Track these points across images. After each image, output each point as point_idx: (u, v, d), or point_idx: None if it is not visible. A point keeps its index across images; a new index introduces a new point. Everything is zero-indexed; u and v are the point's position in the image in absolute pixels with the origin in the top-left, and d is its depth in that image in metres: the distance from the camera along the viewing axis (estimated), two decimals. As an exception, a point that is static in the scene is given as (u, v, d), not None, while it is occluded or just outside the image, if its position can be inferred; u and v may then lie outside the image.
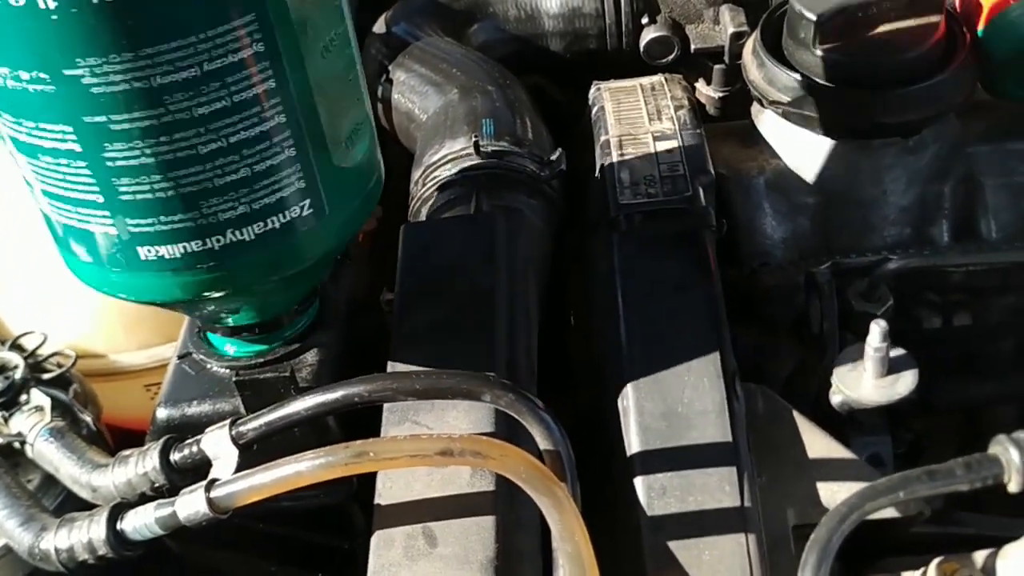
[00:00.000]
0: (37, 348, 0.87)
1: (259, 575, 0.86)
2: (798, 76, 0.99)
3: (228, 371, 0.79)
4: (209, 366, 0.80)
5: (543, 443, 0.66)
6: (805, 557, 0.69)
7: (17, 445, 0.81)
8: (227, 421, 0.69)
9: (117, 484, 0.73)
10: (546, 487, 0.62)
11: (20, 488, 0.77)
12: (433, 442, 0.62)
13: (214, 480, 0.66)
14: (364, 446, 0.63)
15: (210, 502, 0.65)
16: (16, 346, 0.88)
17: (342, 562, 0.85)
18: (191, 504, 0.66)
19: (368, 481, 0.76)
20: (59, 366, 0.87)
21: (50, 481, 0.81)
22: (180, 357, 0.81)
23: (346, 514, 0.82)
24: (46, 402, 0.81)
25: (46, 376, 0.85)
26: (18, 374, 0.84)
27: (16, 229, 1.03)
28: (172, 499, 0.67)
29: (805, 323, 0.98)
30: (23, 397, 0.83)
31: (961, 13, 1.03)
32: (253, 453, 0.70)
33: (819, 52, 0.97)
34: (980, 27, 1.00)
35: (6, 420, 0.82)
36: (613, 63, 1.22)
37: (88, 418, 0.84)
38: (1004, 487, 0.71)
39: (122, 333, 0.98)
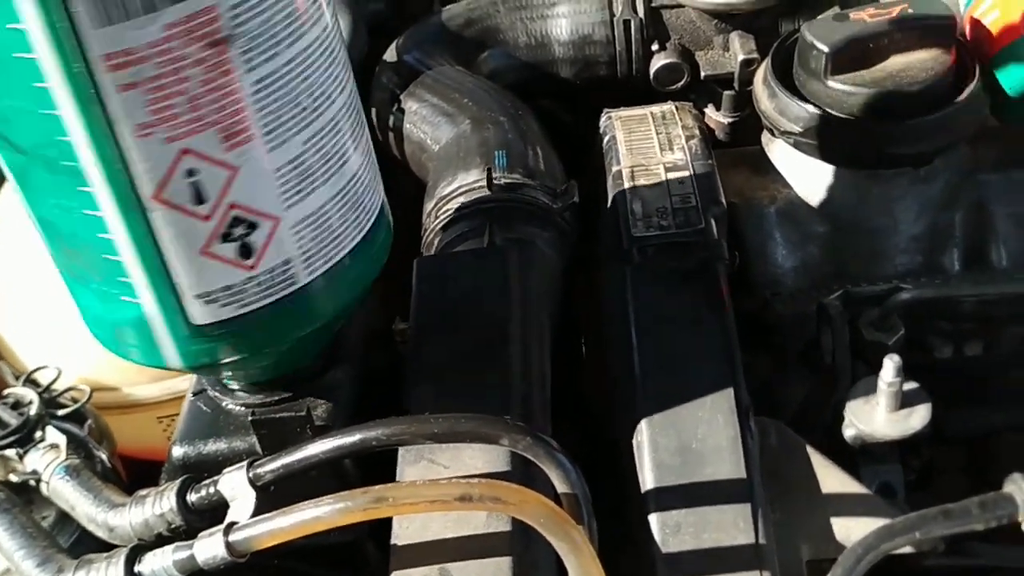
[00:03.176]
0: (52, 383, 0.88)
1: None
2: (809, 107, 0.99)
3: (243, 408, 0.80)
4: (224, 403, 0.81)
5: (560, 486, 0.66)
6: (821, 598, 0.69)
7: (32, 483, 0.81)
8: (244, 463, 0.70)
9: (134, 524, 0.73)
10: (564, 532, 0.62)
11: (36, 528, 0.77)
12: (452, 487, 0.63)
13: (232, 523, 0.67)
14: (383, 491, 0.63)
15: (228, 546, 0.65)
16: (31, 380, 0.89)
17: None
18: (209, 548, 0.66)
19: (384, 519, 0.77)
20: (74, 401, 0.87)
21: (65, 519, 0.81)
22: (195, 394, 0.82)
23: (361, 551, 0.82)
24: (61, 440, 0.81)
25: (61, 412, 0.85)
26: (33, 410, 0.84)
27: (30, 262, 1.04)
28: (190, 542, 0.68)
29: (816, 352, 0.98)
30: (38, 434, 0.84)
31: (971, 43, 1.03)
32: (270, 494, 0.70)
33: (830, 83, 0.98)
34: (990, 56, 1.00)
35: (21, 457, 0.82)
36: (623, 89, 1.23)
37: (103, 455, 0.84)
38: (1019, 525, 0.72)
39: (135, 366, 0.98)
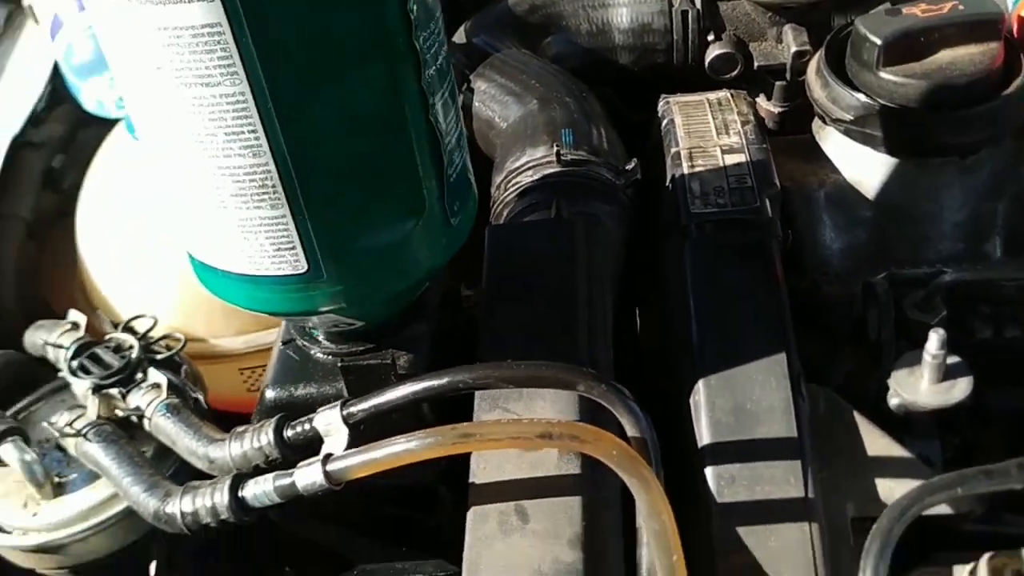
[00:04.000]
0: (148, 331, 0.94)
1: (350, 547, 0.92)
2: (861, 96, 1.04)
3: (329, 357, 0.86)
4: (311, 352, 0.87)
5: (631, 431, 0.72)
6: (868, 546, 0.75)
7: (134, 419, 0.88)
8: (338, 401, 0.76)
9: (233, 456, 0.80)
10: (635, 469, 0.68)
11: (141, 457, 0.84)
12: (534, 426, 0.69)
13: (329, 455, 0.73)
14: (470, 428, 0.69)
15: (327, 474, 0.72)
16: (128, 328, 0.95)
17: (427, 538, 0.92)
18: (309, 475, 0.73)
19: (455, 465, 0.83)
20: (168, 348, 0.94)
21: (164, 452, 0.87)
22: (284, 343, 0.88)
23: (434, 494, 0.88)
24: (163, 380, 0.87)
25: (159, 357, 0.92)
26: (134, 353, 0.91)
27: (128, 218, 1.11)
28: (290, 471, 0.74)
29: (862, 331, 1.03)
30: (138, 375, 0.90)
31: (1018, 38, 1.08)
32: (359, 433, 0.76)
33: (882, 74, 1.03)
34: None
35: (123, 396, 0.89)
36: (678, 77, 1.28)
37: (200, 396, 0.91)
38: (1054, 488, 0.77)
39: (222, 319, 1.05)
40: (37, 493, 0.88)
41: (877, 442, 0.87)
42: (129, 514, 0.88)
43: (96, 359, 0.92)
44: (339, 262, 0.72)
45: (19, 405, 0.96)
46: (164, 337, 0.95)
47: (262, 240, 0.71)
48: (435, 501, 0.89)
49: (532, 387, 0.76)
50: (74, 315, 0.96)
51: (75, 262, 1.19)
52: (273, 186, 0.68)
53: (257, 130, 0.65)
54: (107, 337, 0.94)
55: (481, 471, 0.77)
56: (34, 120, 1.14)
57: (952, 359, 0.90)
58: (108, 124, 1.22)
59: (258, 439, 0.79)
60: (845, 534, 0.84)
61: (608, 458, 0.68)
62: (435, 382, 0.73)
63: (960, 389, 0.89)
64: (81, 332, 0.94)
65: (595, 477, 0.76)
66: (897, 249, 1.08)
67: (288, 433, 0.78)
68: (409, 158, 0.72)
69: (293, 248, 0.71)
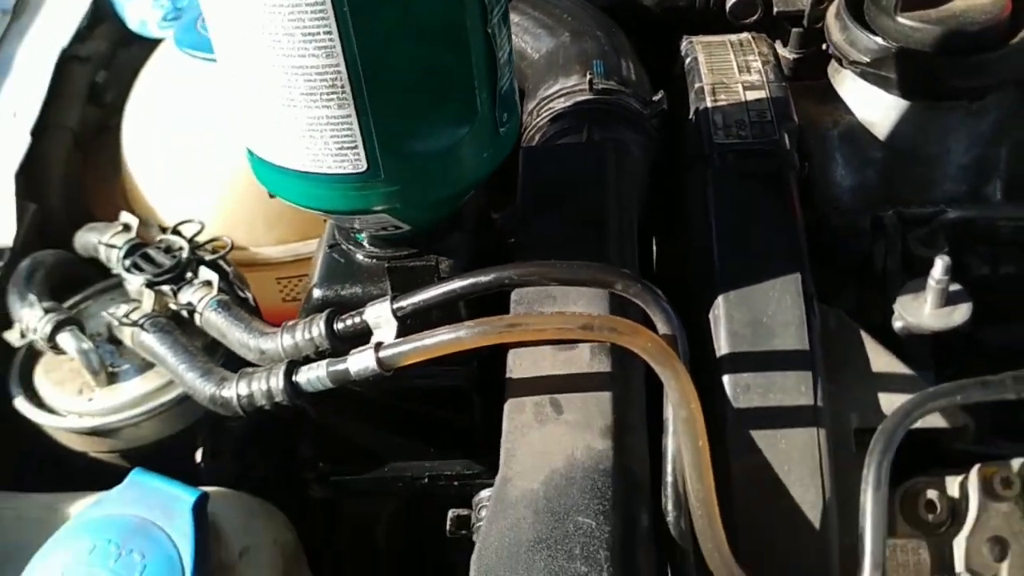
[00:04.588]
0: (196, 235, 0.99)
1: (384, 445, 0.98)
2: (878, 39, 1.09)
3: (373, 261, 0.91)
4: (355, 256, 0.92)
5: (663, 328, 0.78)
6: (873, 446, 0.81)
7: (185, 314, 0.93)
8: (388, 296, 0.81)
9: (285, 347, 0.85)
10: (667, 361, 0.73)
11: (195, 347, 0.89)
12: (576, 318, 0.74)
13: (380, 343, 0.78)
14: (516, 319, 0.75)
15: (379, 360, 0.77)
16: (176, 232, 1.00)
17: (456, 439, 0.98)
18: (361, 361, 0.78)
19: (486, 371, 0.89)
20: (214, 251, 0.99)
21: (211, 348, 0.93)
22: (330, 247, 0.93)
23: (466, 396, 0.94)
24: (214, 277, 0.92)
25: (207, 258, 0.97)
26: (184, 254, 0.96)
27: (173, 130, 1.15)
28: (343, 357, 0.79)
29: (868, 264, 1.09)
30: (188, 274, 0.95)
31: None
32: (405, 329, 0.82)
33: (899, 18, 1.08)
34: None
35: (175, 294, 0.94)
36: (698, 22, 1.32)
37: (248, 294, 0.96)
38: (1046, 400, 0.83)
39: (263, 228, 1.10)
40: (93, 380, 0.93)
41: (881, 359, 0.93)
42: (179, 403, 0.94)
43: (147, 258, 0.97)
44: (396, 162, 0.77)
45: (71, 302, 1.01)
46: (211, 241, 1.00)
47: (327, 139, 0.76)
48: (466, 403, 0.95)
49: (572, 285, 0.81)
50: (126, 217, 1.00)
51: (117, 173, 1.23)
52: (342, 86, 0.73)
53: (332, 31, 0.70)
54: (158, 239, 0.99)
55: (517, 367, 0.83)
56: (79, 36, 1.18)
57: (954, 286, 0.96)
58: (148, 44, 1.26)
59: (309, 331, 0.84)
60: (848, 442, 0.90)
61: (643, 350, 0.73)
62: (482, 278, 0.79)
63: (960, 314, 0.95)
64: (133, 233, 0.99)
65: (623, 376, 0.82)
66: (904, 189, 1.14)
67: (338, 326, 0.83)
68: (467, 66, 0.77)
69: (355, 147, 0.76)
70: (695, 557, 0.76)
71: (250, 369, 0.84)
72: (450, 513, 0.96)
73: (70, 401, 0.93)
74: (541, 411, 0.80)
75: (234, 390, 0.83)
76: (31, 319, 0.94)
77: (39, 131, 1.09)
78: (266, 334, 0.87)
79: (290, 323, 0.86)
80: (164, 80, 1.16)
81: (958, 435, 0.93)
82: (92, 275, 1.04)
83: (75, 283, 1.03)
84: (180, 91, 1.14)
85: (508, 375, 0.83)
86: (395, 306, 0.81)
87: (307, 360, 0.84)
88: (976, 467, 0.88)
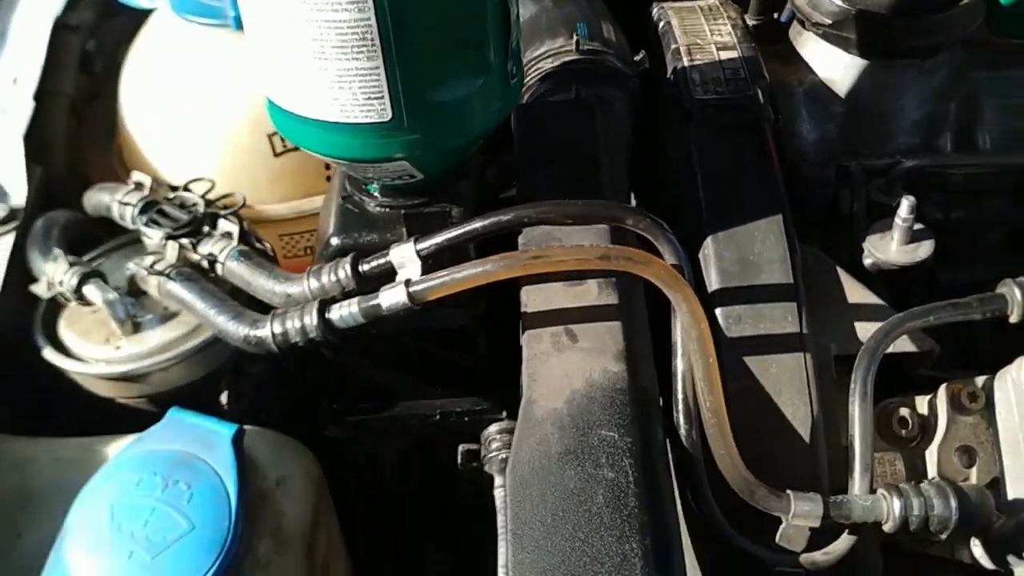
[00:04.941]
0: (207, 192, 1.03)
1: (395, 383, 1.03)
2: (839, 3, 1.17)
3: (385, 210, 0.96)
4: (368, 206, 0.97)
5: (669, 259, 0.85)
6: (858, 362, 0.90)
7: (205, 265, 0.97)
8: (412, 237, 0.87)
9: (311, 290, 0.90)
10: (678, 286, 0.81)
11: (222, 292, 0.94)
12: (594, 250, 0.81)
13: (409, 279, 0.84)
14: (540, 252, 0.81)
15: (410, 295, 0.83)
16: (186, 190, 1.04)
17: (463, 378, 1.04)
18: (393, 297, 0.84)
19: (492, 312, 0.95)
20: (225, 208, 1.03)
21: (234, 294, 0.97)
22: (343, 198, 0.98)
23: (473, 336, 1.00)
24: (234, 229, 0.97)
25: (221, 213, 1.01)
26: (200, 208, 1.00)
27: (171, 94, 1.18)
28: (374, 294, 0.85)
29: (834, 211, 1.17)
30: (205, 228, 1.00)
31: (972, -41, 1.22)
32: (427, 268, 0.87)
33: (858, -18, 1.17)
34: (989, -29, 1.20)
35: (194, 247, 0.98)
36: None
37: (267, 245, 1.00)
38: (1006, 319, 0.92)
39: (266, 186, 1.14)
40: (119, 329, 0.97)
41: (856, 292, 1.01)
42: (202, 349, 0.98)
43: (163, 214, 1.01)
44: (418, 112, 0.83)
45: (87, 257, 1.04)
46: (222, 197, 1.04)
47: (355, 90, 0.81)
48: (473, 343, 1.01)
49: (587, 223, 0.88)
50: (138, 176, 1.04)
51: (110, 140, 1.26)
52: (372, 39, 0.78)
53: (364, -14, 0.75)
54: (171, 195, 1.03)
55: (532, 302, 0.89)
56: (70, 4, 1.20)
57: (918, 225, 1.05)
58: (133, 14, 1.29)
59: (335, 273, 0.89)
60: (829, 367, 0.98)
61: (655, 277, 0.81)
62: (503, 216, 0.85)
63: (924, 249, 1.04)
64: (146, 191, 1.03)
65: (629, 308, 0.89)
66: (862, 141, 1.22)
67: (363, 267, 0.89)
68: (484, 22, 0.83)
69: (382, 97, 0.81)
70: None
71: (280, 310, 0.89)
72: (460, 448, 1.02)
73: (98, 350, 0.97)
74: (558, 340, 0.87)
75: (268, 329, 0.88)
76: (57, 272, 0.97)
77: (40, 97, 1.11)
78: (291, 279, 0.92)
79: (314, 268, 0.91)
80: (161, 45, 1.19)
81: (924, 359, 1.02)
82: (100, 234, 1.08)
83: (85, 242, 1.06)
84: (178, 56, 1.18)
85: (524, 310, 0.89)
86: (419, 247, 0.86)
87: (333, 301, 0.89)
88: (944, 385, 0.97)
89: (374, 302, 0.84)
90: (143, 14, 1.28)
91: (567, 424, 0.80)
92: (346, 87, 0.81)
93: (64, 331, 0.99)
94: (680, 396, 0.85)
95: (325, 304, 0.87)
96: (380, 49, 0.79)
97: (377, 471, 1.11)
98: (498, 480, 0.94)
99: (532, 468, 0.78)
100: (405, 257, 0.87)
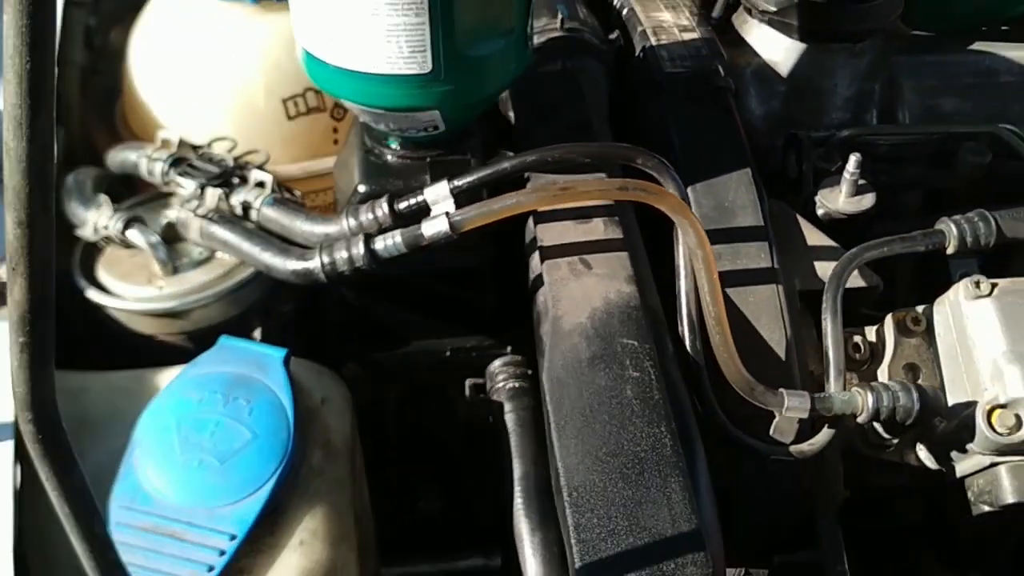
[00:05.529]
0: (231, 150, 1.12)
1: (409, 323, 1.13)
2: (782, -7, 1.34)
3: (403, 161, 1.06)
4: (388, 158, 1.07)
5: (674, 192, 0.98)
6: (828, 285, 1.05)
7: (240, 211, 1.06)
8: (445, 177, 0.98)
9: (350, 227, 1.00)
10: (684, 214, 0.93)
11: (264, 232, 1.02)
12: (614, 182, 0.94)
13: (448, 212, 0.95)
14: (567, 184, 0.93)
15: (451, 224, 0.93)
16: (209, 148, 1.12)
17: (472, 318, 1.14)
18: (434, 226, 0.94)
19: (502, 255, 1.06)
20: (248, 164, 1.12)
21: (265, 241, 1.05)
22: (366, 151, 1.08)
23: (484, 276, 1.11)
24: (268, 178, 1.06)
25: (249, 167, 1.10)
26: (230, 161, 1.09)
27: (184, 62, 1.26)
28: (416, 225, 0.95)
29: (782, 174, 1.33)
30: (234, 180, 1.08)
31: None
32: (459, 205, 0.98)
33: (799, -25, 1.33)
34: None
35: (226, 197, 1.06)
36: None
37: (298, 194, 1.09)
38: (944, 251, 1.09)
39: (280, 148, 1.22)
40: (160, 271, 1.05)
41: (814, 236, 1.16)
42: (237, 289, 1.06)
43: (193, 167, 1.09)
44: (453, 65, 0.94)
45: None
46: (246, 154, 1.12)
47: (401, 43, 0.92)
48: (483, 283, 1.12)
49: (606, 161, 1.00)
50: (165, 134, 1.12)
51: (108, 110, 1.33)
52: (420, -2, 0.89)
53: (418, -48, 0.86)
54: (200, 151, 1.11)
55: (547, 237, 1.01)
56: (74, -19, 1.27)
57: (861, 180, 1.21)
58: (126, -5, 1.36)
59: (372, 212, 0.99)
60: (795, 299, 1.13)
61: (667, 206, 0.93)
62: (527, 157, 0.97)
63: (868, 200, 1.20)
64: (174, 148, 1.11)
65: (631, 242, 1.02)
66: (802, 117, 1.39)
67: (400, 205, 0.99)
68: (513, -14, 0.95)
69: (424, 51, 0.92)
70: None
71: (329, 242, 0.98)
72: (468, 382, 1.13)
73: (141, 291, 1.04)
74: (574, 268, 0.99)
75: (318, 260, 0.97)
76: (101, 218, 1.04)
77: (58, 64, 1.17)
78: (328, 220, 1.02)
79: (351, 208, 1.01)
80: (173, 17, 1.27)
81: (870, 293, 1.17)
82: (122, 192, 1.15)
83: (111, 196, 1.12)
84: (191, 30, 1.25)
85: (540, 244, 1.01)
86: (452, 185, 0.97)
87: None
88: (890, 314, 1.13)
89: (417, 232, 0.95)
90: (138, -4, 1.36)
91: (592, 335, 0.92)
92: (394, 41, 0.92)
93: (103, 274, 1.06)
94: (684, 311, 0.98)
95: (370, 236, 0.97)
96: (427, 6, 0.90)
97: (379, 413, 1.20)
98: (508, 406, 1.06)
99: (567, 371, 0.90)
100: (439, 195, 0.98)
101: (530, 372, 1.09)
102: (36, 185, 0.46)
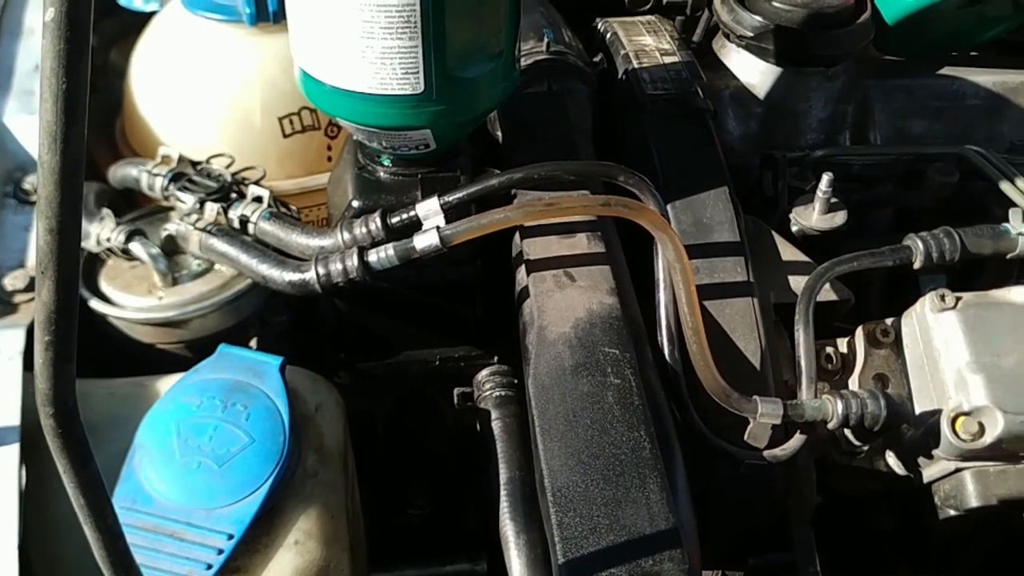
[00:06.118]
0: (228, 166, 1.16)
1: (399, 334, 1.17)
2: (758, 18, 1.39)
3: (395, 177, 1.11)
4: (380, 174, 1.12)
5: (654, 208, 1.03)
6: (800, 298, 1.10)
7: (237, 225, 1.10)
8: (435, 193, 1.02)
9: (344, 240, 1.04)
10: (664, 228, 0.98)
11: (262, 245, 1.07)
12: (598, 198, 0.98)
13: (439, 226, 0.99)
14: (552, 200, 0.98)
15: (442, 238, 0.98)
16: (207, 164, 1.16)
17: (459, 329, 1.18)
18: (426, 240, 0.99)
19: (488, 270, 1.11)
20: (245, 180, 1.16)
21: (263, 253, 1.10)
22: (359, 168, 1.12)
23: (471, 289, 1.15)
24: (265, 193, 1.10)
25: (246, 182, 1.14)
26: (227, 178, 1.13)
27: (182, 80, 1.30)
28: (408, 239, 1.00)
29: (757, 192, 1.38)
30: (232, 195, 1.12)
31: (862, -16, 1.47)
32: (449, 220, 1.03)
33: (774, 2, 1.39)
34: (875, -2, 1.45)
35: (224, 211, 1.11)
36: (602, 9, 1.59)
37: (294, 209, 1.13)
38: (911, 266, 1.14)
39: (275, 164, 1.26)
40: (160, 282, 1.09)
41: (788, 252, 1.22)
42: (234, 300, 1.10)
43: (192, 182, 1.13)
44: (445, 86, 0.99)
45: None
46: (243, 170, 1.17)
47: (395, 65, 0.96)
48: (470, 296, 1.16)
49: (586, 177, 1.05)
50: (165, 150, 1.16)
51: (106, 128, 1.37)
52: (414, 22, 0.94)
53: (415, -21, 0.91)
54: (199, 167, 1.15)
55: (533, 251, 1.06)
56: (77, 2, 1.30)
57: (834, 199, 1.26)
58: (128, 15, 1.40)
59: (366, 226, 1.04)
60: (769, 312, 1.18)
61: (648, 221, 0.98)
62: (515, 175, 1.02)
63: (840, 217, 1.25)
64: (174, 164, 1.15)
65: (613, 256, 1.07)
66: (778, 137, 1.44)
67: (392, 220, 1.04)
68: (500, 14, 0.99)
69: (417, 72, 0.97)
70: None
71: (324, 256, 1.02)
72: (456, 390, 1.17)
73: (142, 301, 1.08)
74: (559, 280, 1.03)
75: (313, 272, 1.01)
76: (104, 231, 1.08)
77: (61, 82, 1.21)
78: (323, 233, 1.06)
79: (344, 222, 1.05)
80: (173, 39, 1.31)
81: (842, 307, 1.22)
82: (123, 206, 1.19)
83: (112, 210, 1.17)
84: (190, 50, 1.30)
85: (526, 257, 1.05)
86: (442, 200, 1.02)
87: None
88: (860, 326, 1.18)
89: (408, 245, 0.99)
90: (133, 15, 1.40)
91: (575, 344, 0.97)
92: (388, 63, 0.96)
93: (105, 285, 1.10)
94: (663, 322, 1.03)
95: (363, 249, 1.01)
96: (420, 30, 0.94)
97: (370, 420, 1.24)
98: (495, 413, 1.10)
99: (551, 378, 0.94)
100: (430, 210, 1.02)
101: (516, 381, 1.13)
102: (67, 195, 0.51)
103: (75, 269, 0.53)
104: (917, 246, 1.14)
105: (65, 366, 0.54)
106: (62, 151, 0.50)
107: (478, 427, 1.12)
